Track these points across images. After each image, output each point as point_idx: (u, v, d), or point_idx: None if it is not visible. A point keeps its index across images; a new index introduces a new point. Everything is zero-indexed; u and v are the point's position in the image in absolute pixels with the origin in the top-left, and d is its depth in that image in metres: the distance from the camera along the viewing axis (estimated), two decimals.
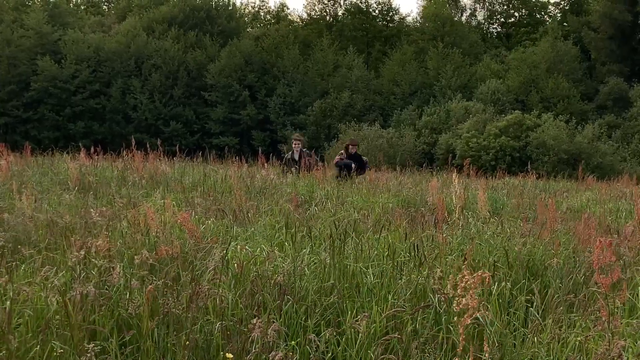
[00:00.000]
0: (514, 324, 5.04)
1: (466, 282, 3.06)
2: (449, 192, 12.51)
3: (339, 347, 4.51)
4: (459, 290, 3.02)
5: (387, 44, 62.73)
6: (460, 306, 3.02)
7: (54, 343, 4.23)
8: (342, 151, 17.19)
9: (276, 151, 42.24)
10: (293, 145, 17.16)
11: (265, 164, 16.94)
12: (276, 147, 47.33)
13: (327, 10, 67.71)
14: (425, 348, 4.39)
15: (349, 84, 54.24)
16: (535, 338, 4.68)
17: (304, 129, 51.62)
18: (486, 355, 3.02)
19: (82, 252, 5.00)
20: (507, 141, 39.44)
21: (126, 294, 4.89)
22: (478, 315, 4.84)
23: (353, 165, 16.39)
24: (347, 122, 45.56)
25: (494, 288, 5.27)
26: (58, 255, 5.95)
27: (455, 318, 3.46)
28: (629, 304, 5.43)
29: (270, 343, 4.13)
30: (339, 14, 67.13)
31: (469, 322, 2.91)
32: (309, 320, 4.74)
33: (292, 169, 15.73)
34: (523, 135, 40.00)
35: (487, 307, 4.94)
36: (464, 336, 2.92)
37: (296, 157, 16.79)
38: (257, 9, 73.05)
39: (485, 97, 49.12)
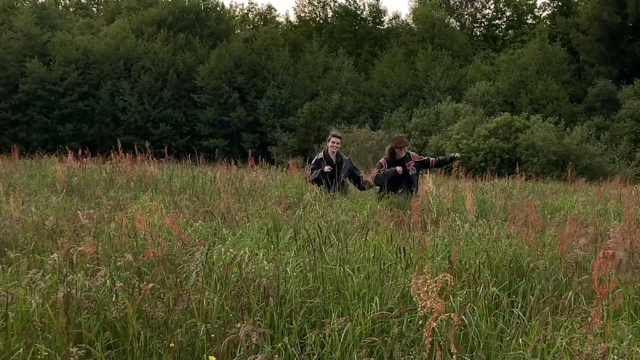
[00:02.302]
0: (500, 325, 5.05)
1: (428, 286, 3.09)
2: (438, 194, 12.57)
3: (323, 349, 4.51)
4: (421, 294, 3.05)
5: (377, 45, 62.82)
6: (425, 310, 3.05)
7: (37, 345, 4.22)
8: (383, 160, 12.53)
9: (266, 153, 42.28)
10: (330, 144, 12.70)
11: (255, 166, 16.92)
12: (266, 149, 47.33)
13: (317, 12, 67.77)
14: (411, 350, 4.40)
15: (339, 85, 54.26)
16: (521, 339, 4.70)
17: (294, 131, 51.61)
18: (453, 358, 3.04)
19: (62, 254, 4.98)
20: (497, 143, 39.52)
21: (112, 296, 4.89)
22: (466, 319, 4.87)
23: (410, 172, 12.26)
24: (337, 124, 45.55)
25: (479, 290, 5.29)
26: (45, 258, 5.93)
27: (420, 322, 3.49)
28: (614, 305, 5.46)
29: (254, 346, 4.13)
30: (329, 16, 67.19)
31: (435, 325, 2.93)
32: (294, 323, 4.75)
33: (326, 178, 12.17)
34: (512, 137, 40.09)
35: (474, 308, 4.96)
36: (430, 339, 2.93)
37: (333, 161, 12.49)
38: (246, 10, 73.07)
39: (475, 99, 49.21)
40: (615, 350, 4.27)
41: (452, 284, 3.40)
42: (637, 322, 5.11)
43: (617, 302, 4.26)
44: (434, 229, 8.11)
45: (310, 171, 12.72)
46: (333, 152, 12.58)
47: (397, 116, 49.95)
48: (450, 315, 3.38)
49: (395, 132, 44.12)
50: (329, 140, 12.85)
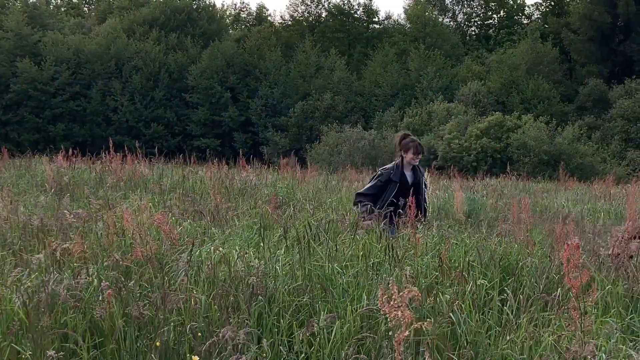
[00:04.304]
0: (489, 323, 5.05)
1: (395, 299, 3.10)
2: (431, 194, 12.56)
3: (311, 348, 4.49)
4: (387, 308, 3.05)
5: (369, 45, 62.86)
6: (394, 322, 3.05)
7: (14, 346, 4.19)
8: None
9: (258, 153, 42.25)
10: (406, 156, 8.63)
11: (246, 166, 16.89)
12: (258, 149, 47.31)
13: (309, 12, 67.76)
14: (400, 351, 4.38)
15: (331, 85, 54.28)
16: (509, 336, 4.69)
17: (286, 130, 51.61)
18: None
19: (48, 253, 4.95)
20: (489, 142, 39.57)
21: (98, 296, 4.86)
22: (454, 316, 4.87)
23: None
24: (329, 124, 45.54)
25: (467, 287, 5.28)
26: (31, 257, 5.89)
27: (390, 333, 3.48)
28: (603, 302, 5.46)
29: (240, 345, 4.12)
30: (321, 15, 67.20)
31: (407, 334, 2.93)
32: (282, 321, 4.73)
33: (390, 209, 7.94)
34: (504, 137, 40.16)
35: (461, 306, 4.95)
36: (401, 349, 2.93)
37: (410, 179, 8.64)
38: (238, 10, 73.04)
39: (467, 99, 49.28)
40: (603, 348, 4.26)
41: (419, 299, 3.40)
42: (626, 319, 5.10)
43: (593, 295, 4.24)
44: (424, 227, 8.09)
45: (369, 189, 8.69)
46: (410, 166, 8.72)
47: (389, 116, 49.98)
48: (423, 324, 3.38)
49: (387, 132, 44.07)
50: (407, 151, 8.63)
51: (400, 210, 7.88)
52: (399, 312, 3.38)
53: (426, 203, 8.69)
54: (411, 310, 3.41)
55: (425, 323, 3.53)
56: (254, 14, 71.42)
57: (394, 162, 8.78)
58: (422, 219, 7.88)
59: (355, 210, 8.28)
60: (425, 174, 8.28)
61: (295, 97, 53.56)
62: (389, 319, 3.39)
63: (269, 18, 70.64)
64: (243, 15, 72.59)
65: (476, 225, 8.45)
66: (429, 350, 4.01)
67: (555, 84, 53.83)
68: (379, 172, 8.78)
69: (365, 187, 8.80)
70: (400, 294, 3.41)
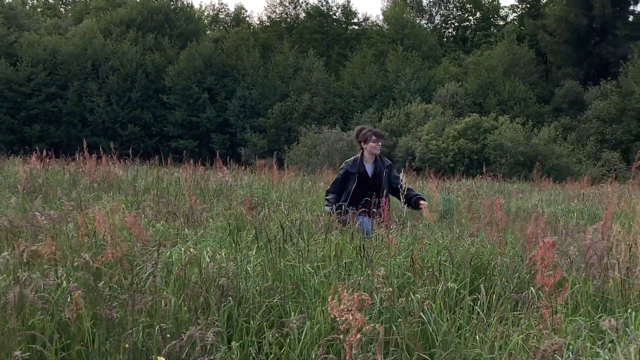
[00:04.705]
0: (459, 322, 5.07)
1: (345, 303, 3.12)
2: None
3: (281, 349, 4.49)
4: (337, 312, 3.06)
5: (347, 46, 62.93)
6: (344, 325, 3.06)
7: None
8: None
9: (235, 154, 42.16)
10: (366, 146, 8.70)
11: (223, 167, 16.83)
12: (236, 150, 47.19)
13: (288, 13, 67.72)
14: (369, 347, 4.39)
15: (309, 86, 54.28)
16: (478, 336, 4.71)
17: (264, 131, 51.55)
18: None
19: (16, 253, 4.90)
20: (466, 143, 39.76)
21: (67, 297, 4.82)
22: (425, 316, 4.88)
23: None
24: (308, 125, 45.56)
25: (438, 287, 5.30)
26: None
27: (342, 336, 3.49)
28: (573, 301, 5.50)
29: (209, 346, 4.10)
30: (299, 16, 67.16)
31: (358, 337, 2.94)
32: (252, 322, 4.72)
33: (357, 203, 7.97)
34: (481, 138, 40.37)
35: (432, 306, 4.96)
36: (351, 353, 2.94)
37: (369, 171, 8.67)
38: (216, 11, 72.81)
39: (444, 100, 49.50)
40: (571, 347, 4.29)
41: (369, 302, 3.42)
42: (595, 318, 5.14)
43: (564, 294, 4.28)
44: (398, 227, 8.10)
45: (332, 186, 8.88)
46: (372, 157, 8.72)
47: (367, 117, 50.06)
48: (375, 326, 3.39)
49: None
50: (366, 140, 8.69)
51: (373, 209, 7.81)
52: (350, 316, 3.38)
53: (399, 193, 8.08)
54: (362, 314, 3.42)
55: (378, 326, 3.54)
56: (232, 15, 71.24)
57: (356, 155, 8.93)
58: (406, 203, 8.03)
59: (325, 210, 8.43)
60: (401, 175, 8.18)
61: (274, 98, 53.52)
62: (339, 323, 3.39)
63: (247, 19, 70.53)
64: (221, 16, 72.38)
65: (450, 226, 8.47)
66: (397, 348, 4.03)
67: (532, 86, 54.22)
68: (341, 166, 9.02)
69: (331, 185, 9.00)
70: (350, 297, 3.42)
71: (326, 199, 8.72)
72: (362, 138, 8.78)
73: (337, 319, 3.20)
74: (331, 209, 7.99)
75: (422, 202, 8.53)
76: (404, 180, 8.03)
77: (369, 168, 8.69)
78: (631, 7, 60.79)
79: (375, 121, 48.44)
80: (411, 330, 4.67)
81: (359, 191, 8.39)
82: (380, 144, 8.75)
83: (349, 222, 7.10)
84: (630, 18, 60.57)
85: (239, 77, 54.77)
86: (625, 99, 48.19)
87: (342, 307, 3.23)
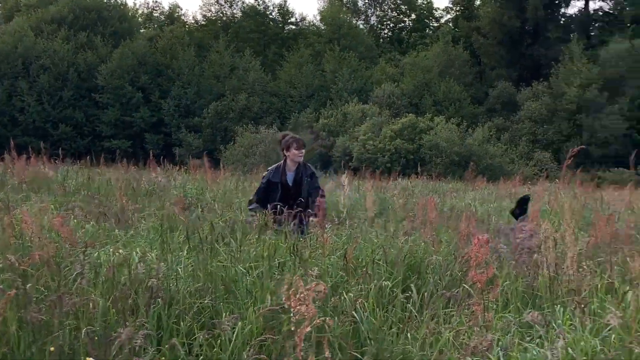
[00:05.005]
0: (392, 320, 5.07)
1: (301, 293, 3.08)
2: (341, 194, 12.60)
3: (212, 350, 4.42)
4: (292, 302, 3.02)
5: (284, 46, 62.84)
6: (297, 316, 3.02)
7: None
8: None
9: (170, 154, 41.65)
10: (289, 154, 8.43)
11: (156, 167, 16.61)
12: (170, 150, 46.65)
13: (223, 12, 67.27)
14: (302, 347, 4.36)
15: (246, 86, 54.05)
16: (410, 334, 4.72)
17: (200, 131, 51.12)
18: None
19: None
20: (402, 144, 40.14)
21: None
22: (357, 315, 4.86)
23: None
24: (244, 125, 45.36)
25: (371, 286, 5.29)
26: None
27: (293, 327, 3.45)
28: (503, 298, 5.56)
29: (137, 348, 4.01)
30: (235, 15, 66.78)
31: (309, 329, 2.90)
32: (182, 323, 4.63)
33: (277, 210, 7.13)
34: (417, 138, 40.80)
35: (365, 304, 4.95)
36: (301, 346, 2.89)
37: (290, 179, 8.41)
38: (150, 9, 71.84)
39: (381, 100, 49.88)
40: (500, 343, 4.33)
41: (325, 292, 3.38)
42: (524, 314, 5.20)
43: (496, 291, 4.32)
44: (333, 226, 8.10)
45: (255, 195, 8.59)
46: (294, 165, 8.43)
47: (304, 117, 50.11)
48: (325, 319, 3.36)
49: (303, 133, 44.09)
50: (288, 148, 8.39)
51: (309, 210, 7.68)
52: (304, 307, 3.33)
53: (314, 202, 7.37)
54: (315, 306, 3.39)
55: (328, 319, 3.50)
56: (167, 13, 70.37)
57: (277, 163, 8.63)
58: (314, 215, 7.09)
59: (247, 221, 7.65)
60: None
61: (209, 97, 53.14)
62: (292, 314, 3.34)
63: (182, 17, 69.77)
64: (155, 15, 71.41)
65: (385, 225, 8.49)
66: (329, 347, 3.99)
67: (466, 87, 55.05)
68: (263, 174, 8.70)
69: (254, 194, 8.65)
70: (307, 287, 3.37)
71: (249, 209, 8.29)
72: (284, 145, 8.47)
73: (292, 310, 3.14)
74: (253, 220, 7.29)
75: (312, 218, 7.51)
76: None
77: (289, 176, 8.40)
78: (562, 10, 62.39)
79: (313, 121, 48.53)
80: (343, 329, 4.65)
81: (283, 200, 7.94)
82: (303, 152, 8.42)
83: (284, 223, 6.86)
84: (562, 21, 62.12)
85: (174, 76, 54.20)
86: (556, 100, 49.31)
87: (298, 297, 3.18)
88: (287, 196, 8.13)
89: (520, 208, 8.63)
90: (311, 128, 46.63)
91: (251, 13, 65.43)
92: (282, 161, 8.52)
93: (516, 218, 8.63)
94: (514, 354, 4.19)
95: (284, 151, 8.46)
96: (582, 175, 23.32)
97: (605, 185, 24.09)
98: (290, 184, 8.33)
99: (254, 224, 6.88)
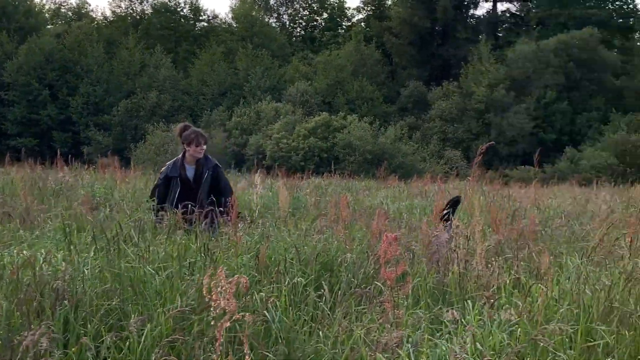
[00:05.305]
0: (304, 319, 5.07)
1: (222, 287, 3.03)
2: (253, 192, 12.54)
3: (120, 352, 4.31)
4: (213, 295, 2.97)
5: (196, 43, 62.24)
6: (218, 310, 2.98)
7: None
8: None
9: (79, 153, 40.71)
10: (189, 149, 7.99)
11: (64, 166, 16.17)
12: (79, 149, 45.59)
13: (134, 8, 66.14)
14: (211, 348, 4.31)
15: (157, 83, 53.34)
16: (321, 332, 4.72)
17: (109, 129, 50.12)
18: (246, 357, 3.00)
19: None
20: (316, 142, 40.31)
21: None
22: (269, 314, 4.84)
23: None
24: (155, 123, 44.71)
25: (283, 285, 5.28)
26: None
27: (213, 322, 3.41)
28: (414, 295, 5.63)
29: (42, 352, 3.88)
30: (146, 12, 65.74)
31: (228, 324, 2.86)
32: (89, 326, 4.51)
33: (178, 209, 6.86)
34: (330, 136, 41.05)
35: (277, 304, 4.93)
36: (221, 340, 2.86)
37: (190, 174, 8.02)
38: (57, 5, 69.96)
39: (294, 99, 49.98)
40: (410, 339, 4.38)
41: (247, 286, 3.33)
42: (434, 310, 5.28)
43: (405, 288, 4.37)
44: (246, 226, 8.04)
45: (152, 193, 8.13)
46: (194, 159, 8.00)
47: (217, 115, 49.78)
48: (244, 315, 3.31)
49: (215, 131, 43.75)
50: (190, 143, 7.94)
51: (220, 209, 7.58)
52: (224, 302, 3.28)
53: (225, 198, 7.49)
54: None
55: (247, 315, 3.46)
56: (75, 9, 68.67)
57: (176, 157, 8.16)
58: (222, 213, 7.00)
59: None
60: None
61: (119, 95, 52.24)
62: (212, 308, 3.28)
63: (90, 13, 68.23)
64: (63, 10, 69.61)
65: (297, 223, 8.50)
66: (240, 346, 3.96)
67: (379, 86, 55.72)
68: (161, 170, 8.25)
69: (152, 192, 8.17)
70: (229, 280, 3.32)
71: (153, 209, 7.58)
72: (185, 139, 7.95)
73: (212, 304, 3.08)
74: (156, 216, 6.94)
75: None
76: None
77: (189, 171, 7.99)
78: (471, 11, 63.89)
79: (226, 119, 48.24)
80: (255, 328, 4.62)
81: (183, 196, 7.61)
82: (204, 148, 7.99)
83: (195, 222, 6.59)
84: (470, 22, 63.59)
85: (83, 73, 53.04)
86: (465, 99, 50.46)
87: (219, 290, 3.12)
88: (188, 191, 7.77)
89: (451, 209, 8.58)
90: (224, 126, 46.37)
91: (162, 10, 64.54)
92: (180, 155, 8.08)
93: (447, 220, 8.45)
94: (424, 349, 4.24)
95: (184, 145, 8.00)
96: (490, 173, 23.95)
97: (512, 182, 24.78)
98: (191, 179, 7.93)
99: (163, 223, 6.66)
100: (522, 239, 7.34)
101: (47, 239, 6.88)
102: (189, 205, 6.91)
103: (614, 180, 27.32)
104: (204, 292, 3.27)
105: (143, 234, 6.28)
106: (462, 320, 4.72)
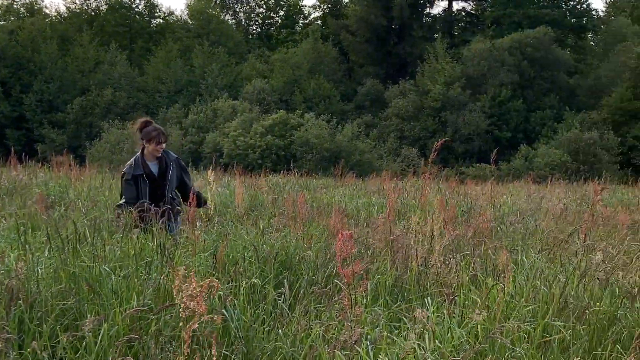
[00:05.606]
0: (263, 317, 5.06)
1: (193, 289, 3.02)
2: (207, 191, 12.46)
3: (76, 352, 4.26)
4: (184, 298, 2.95)
5: (151, 41, 61.68)
6: (187, 312, 2.96)
7: None
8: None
9: (33, 151, 40.05)
10: (149, 146, 7.73)
11: (17, 164, 15.91)
12: (33, 147, 44.87)
13: (88, 5, 65.24)
14: (168, 347, 4.27)
15: (112, 81, 52.74)
16: (281, 330, 4.72)
17: (64, 127, 49.41)
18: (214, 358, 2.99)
19: None
20: (273, 140, 40.22)
21: None
22: (227, 313, 4.81)
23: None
24: (111, 121, 44.17)
25: (242, 283, 5.26)
26: None
27: (181, 324, 3.39)
28: (372, 292, 5.65)
29: None
30: (100, 8, 64.91)
31: (196, 326, 2.85)
32: (45, 326, 4.44)
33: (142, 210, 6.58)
34: (288, 134, 41.00)
35: (235, 302, 4.91)
36: (189, 342, 2.84)
37: (154, 170, 7.78)
38: (10, 1, 68.62)
39: (251, 97, 49.81)
40: (369, 336, 4.39)
41: (218, 287, 3.32)
42: (392, 307, 5.31)
43: (364, 285, 4.39)
44: (203, 224, 8.00)
45: (126, 196, 7.62)
46: (154, 157, 7.79)
47: (173, 112, 49.39)
48: (213, 316, 3.30)
49: (172, 128, 43.38)
50: (150, 140, 7.70)
51: (177, 206, 7.49)
52: (194, 303, 3.26)
53: (188, 190, 7.51)
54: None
55: (216, 317, 3.45)
56: (27, 5, 67.47)
57: (134, 156, 7.86)
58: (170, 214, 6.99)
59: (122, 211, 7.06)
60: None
61: (73, 92, 51.56)
62: (181, 310, 3.26)
63: (44, 9, 67.11)
64: (15, 6, 68.30)
65: (255, 221, 8.48)
66: (198, 346, 3.94)
67: (336, 84, 55.79)
68: (123, 172, 7.80)
69: (122, 196, 7.70)
70: (201, 283, 3.30)
71: (119, 215, 7.15)
72: (145, 137, 7.67)
73: (180, 306, 3.05)
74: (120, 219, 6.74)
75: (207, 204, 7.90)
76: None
77: (153, 167, 7.74)
78: (427, 10, 64.30)
79: (182, 117, 47.90)
80: (213, 327, 4.59)
81: (152, 192, 7.51)
82: (164, 146, 7.75)
83: (152, 221, 6.44)
84: (426, 20, 64.03)
85: (36, 70, 52.21)
86: (422, 97, 50.79)
87: (189, 292, 3.10)
88: (156, 188, 7.59)
89: None
90: (180, 124, 46.04)
91: (116, 6, 63.78)
92: (138, 153, 7.79)
93: None
94: (382, 347, 4.26)
95: (143, 141, 7.72)
96: (447, 171, 24.15)
97: (468, 180, 25.04)
98: (156, 175, 7.71)
99: (120, 222, 6.57)
100: (478, 235, 7.42)
101: (1, 238, 6.77)
102: (145, 204, 6.74)
103: (568, 178, 27.78)
104: (175, 294, 3.24)
105: (99, 233, 6.21)
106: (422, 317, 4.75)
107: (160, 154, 7.75)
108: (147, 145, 7.71)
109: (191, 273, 3.43)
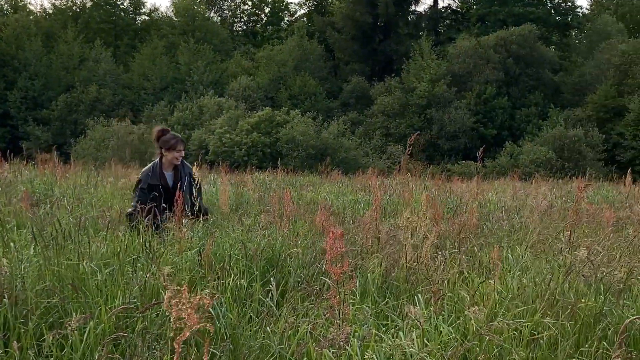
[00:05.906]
0: (250, 315, 5.05)
1: (182, 305, 3.01)
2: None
3: (62, 350, 4.23)
4: (174, 313, 2.95)
5: (137, 37, 61.45)
6: (177, 323, 2.95)
7: None
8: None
9: (18, 148, 39.81)
10: (168, 154, 7.67)
11: (3, 162, 15.79)
12: (17, 144, 44.62)
13: (73, 1, 64.89)
14: (155, 345, 4.25)
15: (97, 78, 52.50)
16: (269, 328, 4.71)
17: (48, 124, 49.14)
18: None
19: None
20: (259, 137, 40.13)
21: None
22: (214, 311, 4.79)
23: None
24: (96, 118, 43.96)
25: (229, 281, 5.24)
26: None
27: (172, 334, 3.37)
28: (361, 289, 5.65)
29: None
30: (86, 5, 64.60)
31: (187, 336, 2.84)
32: (30, 324, 4.41)
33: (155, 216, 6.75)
34: (274, 132, 40.92)
35: (221, 300, 4.89)
36: (179, 351, 2.83)
37: (170, 180, 7.71)
38: None
39: (237, 94, 49.72)
40: (357, 334, 4.39)
41: (210, 305, 3.31)
42: (380, 305, 5.31)
43: (352, 283, 4.38)
44: (191, 222, 7.96)
45: (135, 201, 7.42)
46: (171, 165, 7.71)
47: (159, 110, 49.23)
48: (205, 325, 3.29)
49: (157, 126, 43.11)
50: (170, 149, 7.63)
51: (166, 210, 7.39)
52: (186, 315, 3.25)
53: (199, 199, 7.40)
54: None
55: (209, 325, 3.43)
56: (12, 1, 67.04)
57: (152, 163, 7.76)
58: (195, 216, 6.95)
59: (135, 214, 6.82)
60: (194, 169, 7.53)
61: (58, 89, 51.32)
62: (172, 321, 3.24)
63: (28, 6, 66.76)
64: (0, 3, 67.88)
65: (241, 219, 8.45)
66: (186, 345, 3.93)
67: (322, 81, 55.78)
68: (139, 178, 7.73)
69: (133, 203, 7.47)
70: (190, 299, 3.29)
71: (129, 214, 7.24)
72: (164, 145, 7.58)
73: (171, 318, 3.04)
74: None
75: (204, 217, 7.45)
76: (197, 175, 7.79)
77: (169, 177, 7.66)
78: (412, 7, 64.39)
79: (167, 114, 47.74)
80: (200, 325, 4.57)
81: (165, 203, 7.35)
82: (183, 153, 7.70)
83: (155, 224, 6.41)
84: (412, 17, 64.14)
85: (20, 66, 51.92)
86: (407, 95, 50.84)
87: (180, 307, 3.08)
88: (169, 198, 7.32)
89: None
90: (166, 121, 45.87)
91: (101, 3, 63.48)
92: (156, 160, 7.67)
93: None
94: (370, 344, 4.26)
95: (162, 150, 7.61)
96: (432, 168, 24.18)
97: (454, 177, 25.09)
98: (171, 185, 7.58)
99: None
100: (464, 232, 7.43)
101: None
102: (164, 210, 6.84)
103: (553, 175, 27.90)
104: (165, 307, 3.22)
105: (84, 231, 6.18)
106: (410, 314, 4.75)
107: (179, 162, 7.66)
108: (166, 154, 7.63)
109: (184, 287, 3.42)
